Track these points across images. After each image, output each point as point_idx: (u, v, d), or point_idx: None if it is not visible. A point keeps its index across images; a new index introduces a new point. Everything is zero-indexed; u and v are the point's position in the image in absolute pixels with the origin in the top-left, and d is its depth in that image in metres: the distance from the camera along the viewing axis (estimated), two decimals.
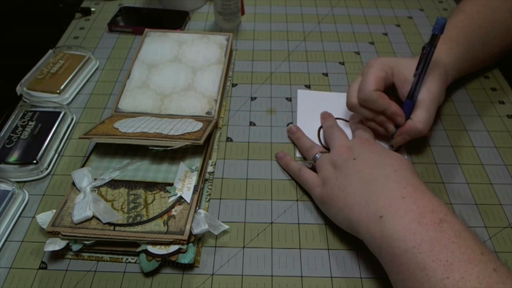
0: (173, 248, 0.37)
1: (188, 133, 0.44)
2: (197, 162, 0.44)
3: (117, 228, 0.38)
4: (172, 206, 0.40)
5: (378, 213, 0.34)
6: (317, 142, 0.49)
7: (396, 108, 0.44)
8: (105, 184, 0.42)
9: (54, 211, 0.40)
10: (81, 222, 0.38)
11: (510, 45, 0.55)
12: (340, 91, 0.56)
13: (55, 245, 0.37)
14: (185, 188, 0.41)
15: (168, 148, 0.42)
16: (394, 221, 0.33)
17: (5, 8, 0.71)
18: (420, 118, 0.43)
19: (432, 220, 0.32)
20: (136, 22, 0.68)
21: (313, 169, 0.44)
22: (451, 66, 0.48)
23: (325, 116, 0.51)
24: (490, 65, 0.60)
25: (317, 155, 0.44)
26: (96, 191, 0.41)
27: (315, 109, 0.53)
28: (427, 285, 0.29)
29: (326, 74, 0.59)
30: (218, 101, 0.51)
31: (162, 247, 0.37)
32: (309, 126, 0.51)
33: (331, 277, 0.38)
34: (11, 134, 0.48)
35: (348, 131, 0.49)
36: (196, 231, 0.38)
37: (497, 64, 0.60)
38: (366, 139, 0.43)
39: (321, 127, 0.51)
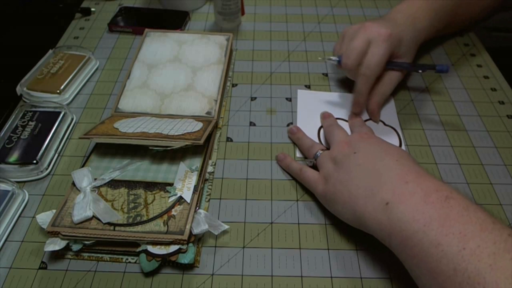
0: (173, 248, 0.37)
1: (188, 133, 0.44)
2: (197, 162, 0.44)
3: (117, 228, 0.38)
4: (172, 206, 0.40)
5: (384, 200, 0.34)
6: (318, 142, 0.49)
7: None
8: (105, 184, 0.42)
9: (54, 211, 0.39)
10: (81, 222, 0.38)
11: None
12: (340, 91, 0.56)
13: (55, 245, 0.37)
14: (185, 188, 0.41)
15: (168, 148, 0.42)
16: (401, 205, 0.33)
17: (5, 8, 0.71)
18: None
19: (438, 198, 0.32)
20: (136, 22, 0.68)
21: (315, 167, 0.44)
22: None
23: (325, 116, 0.51)
24: (470, 24, 0.63)
25: (317, 153, 0.44)
26: (96, 191, 0.41)
27: (315, 109, 0.53)
28: (444, 260, 0.29)
29: (326, 74, 0.59)
30: (218, 101, 0.51)
31: (162, 247, 0.37)
32: (309, 126, 0.51)
33: (331, 277, 0.38)
34: (11, 134, 0.48)
35: (348, 131, 0.49)
36: (196, 231, 0.38)
37: (497, 64, 0.60)
38: (365, 133, 0.43)
39: (321, 127, 0.51)
